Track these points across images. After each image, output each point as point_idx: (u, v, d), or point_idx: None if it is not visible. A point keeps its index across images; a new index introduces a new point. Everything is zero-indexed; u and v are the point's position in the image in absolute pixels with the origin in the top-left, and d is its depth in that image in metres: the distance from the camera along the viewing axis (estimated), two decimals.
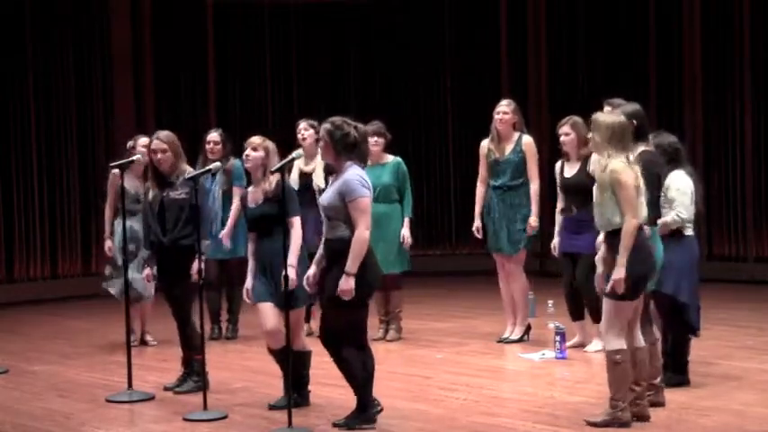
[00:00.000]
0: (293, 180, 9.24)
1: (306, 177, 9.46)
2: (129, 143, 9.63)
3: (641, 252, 6.24)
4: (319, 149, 9.25)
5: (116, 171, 8.90)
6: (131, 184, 9.06)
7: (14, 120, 13.01)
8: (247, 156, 7.14)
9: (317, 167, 9.33)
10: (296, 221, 6.96)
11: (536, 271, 9.56)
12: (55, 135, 13.26)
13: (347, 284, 6.30)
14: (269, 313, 7.00)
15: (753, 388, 7.45)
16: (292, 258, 6.83)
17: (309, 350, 7.16)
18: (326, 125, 6.53)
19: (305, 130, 9.54)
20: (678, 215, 7.15)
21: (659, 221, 6.95)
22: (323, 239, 6.57)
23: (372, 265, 6.48)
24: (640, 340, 6.52)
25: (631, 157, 6.33)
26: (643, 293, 6.54)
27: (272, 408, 7.10)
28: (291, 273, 6.78)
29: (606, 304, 6.37)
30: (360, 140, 6.50)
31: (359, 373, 6.50)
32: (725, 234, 13.02)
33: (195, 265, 7.37)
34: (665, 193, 7.12)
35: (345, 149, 6.45)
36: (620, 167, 6.20)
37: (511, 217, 9.15)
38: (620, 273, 6.17)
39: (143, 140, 9.42)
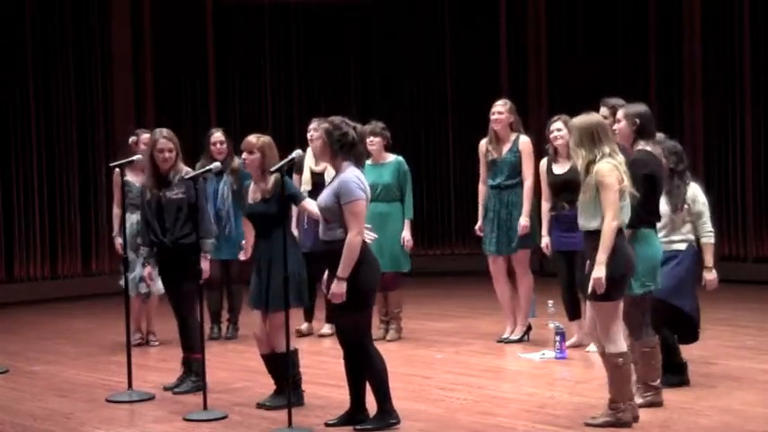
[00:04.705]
0: (305, 180, 9.56)
1: (317, 177, 9.47)
2: (132, 138, 9.57)
3: (621, 253, 6.24)
4: None
5: (117, 169, 8.95)
6: (136, 178, 9.09)
7: (14, 120, 13.00)
8: (244, 159, 7.20)
9: (328, 167, 9.27)
10: (306, 204, 7.07)
11: (536, 271, 9.54)
12: (55, 135, 13.25)
13: (339, 288, 6.28)
14: (257, 320, 7.21)
15: (753, 388, 7.45)
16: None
17: (294, 349, 7.12)
18: (325, 124, 6.53)
19: (314, 130, 9.46)
20: (710, 232, 7.43)
21: (705, 242, 7.35)
22: (321, 240, 6.54)
23: (370, 265, 6.43)
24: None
25: (617, 156, 6.30)
26: (642, 297, 6.56)
27: (259, 406, 7.11)
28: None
29: (595, 308, 6.37)
30: (357, 141, 6.47)
31: (371, 374, 6.46)
32: (725, 234, 13.00)
33: (204, 265, 7.45)
34: (689, 205, 7.28)
35: (342, 149, 6.42)
36: (605, 170, 6.22)
37: (506, 216, 9.15)
38: (599, 272, 6.18)
39: (146, 137, 9.41)
